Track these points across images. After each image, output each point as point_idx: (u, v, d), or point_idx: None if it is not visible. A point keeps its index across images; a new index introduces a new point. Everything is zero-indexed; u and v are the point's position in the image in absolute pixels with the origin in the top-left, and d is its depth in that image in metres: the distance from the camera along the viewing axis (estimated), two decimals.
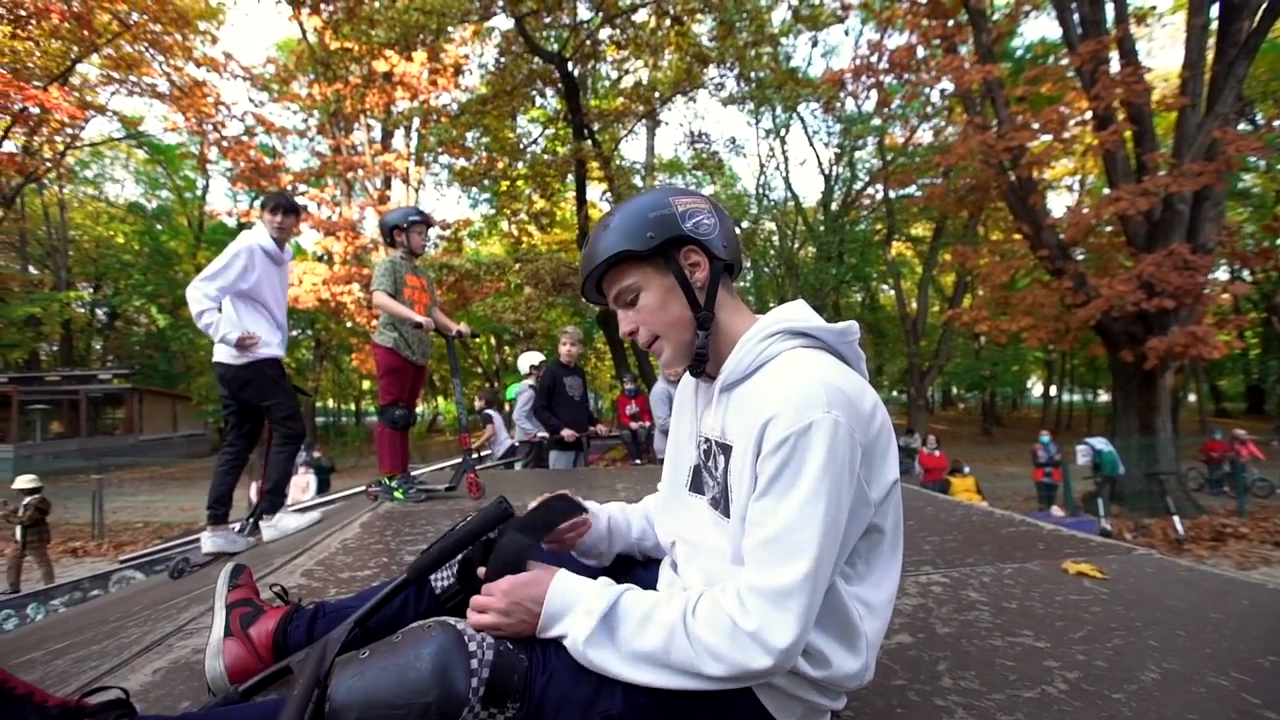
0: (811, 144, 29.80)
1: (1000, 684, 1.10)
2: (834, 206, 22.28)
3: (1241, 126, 10.21)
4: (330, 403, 33.32)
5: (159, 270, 24.60)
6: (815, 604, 0.77)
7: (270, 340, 3.06)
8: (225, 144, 15.92)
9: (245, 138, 16.12)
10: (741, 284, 19.91)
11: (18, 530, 6.92)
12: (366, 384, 27.76)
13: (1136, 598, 1.53)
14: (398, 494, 3.37)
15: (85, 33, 13.42)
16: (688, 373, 1.02)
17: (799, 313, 0.92)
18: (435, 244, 17.65)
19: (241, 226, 24.73)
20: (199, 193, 26.61)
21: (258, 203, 20.20)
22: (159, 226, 25.92)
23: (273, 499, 3.10)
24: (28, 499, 7.01)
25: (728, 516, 0.89)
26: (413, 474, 3.67)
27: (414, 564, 1.03)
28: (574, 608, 0.82)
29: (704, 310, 0.92)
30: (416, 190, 17.51)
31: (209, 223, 26.39)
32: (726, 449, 0.90)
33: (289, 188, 15.79)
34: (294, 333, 20.99)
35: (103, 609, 2.85)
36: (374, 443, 3.62)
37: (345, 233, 14.77)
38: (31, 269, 23.26)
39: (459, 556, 1.19)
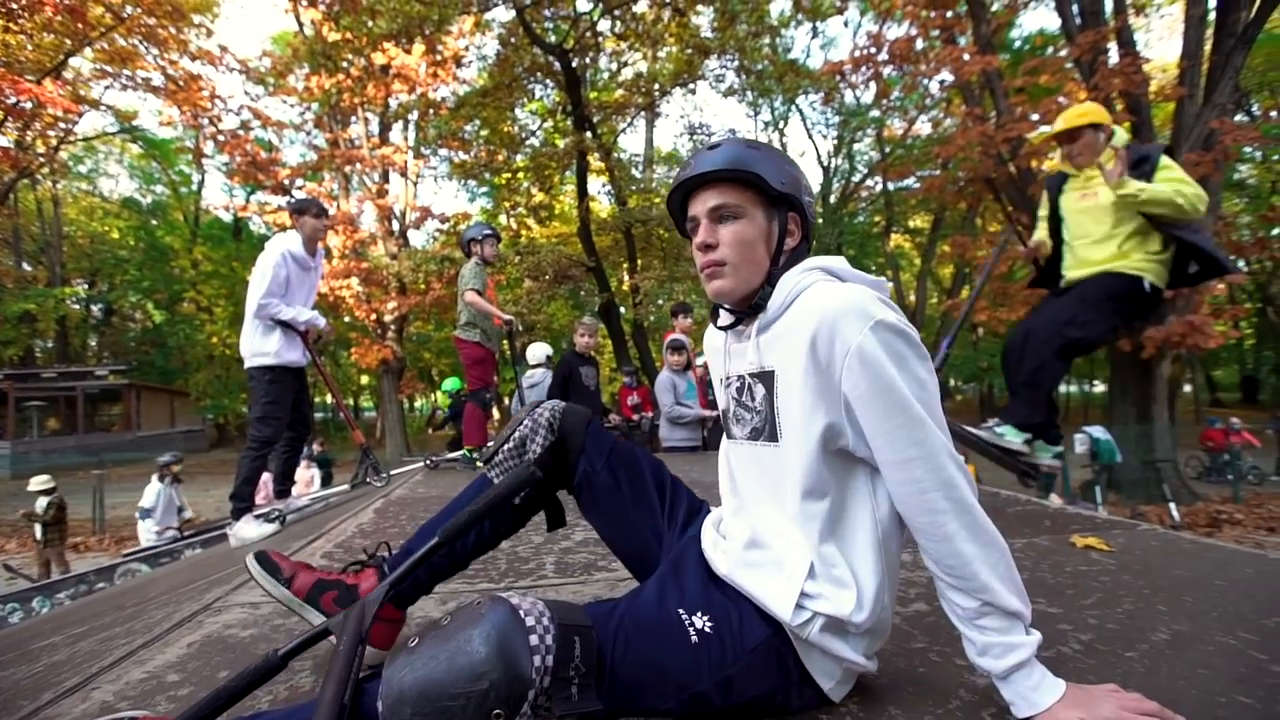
0: (810, 136, 29.91)
1: None
2: (832, 199, 22.31)
3: (1238, 117, 10.24)
4: (329, 398, 33.28)
5: (155, 266, 24.50)
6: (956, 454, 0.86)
7: (289, 348, 3.09)
8: (221, 138, 15.85)
9: (241, 132, 16.04)
10: None
11: (38, 529, 7.02)
12: (365, 379, 27.73)
13: (1143, 568, 1.57)
14: (479, 463, 3.95)
15: (79, 26, 13.32)
16: (715, 324, 1.05)
17: (836, 261, 0.95)
18: (434, 237, 17.62)
19: (238, 221, 24.67)
20: (194, 187, 26.48)
21: (256, 197, 20.10)
22: (154, 222, 25.80)
23: (235, 504, 3.01)
24: (47, 498, 7.11)
25: (775, 441, 0.92)
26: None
27: (446, 527, 1.03)
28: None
29: (779, 269, 0.95)
30: (415, 184, 17.46)
31: (205, 218, 26.25)
32: (766, 375, 0.93)
33: (286, 182, 15.73)
34: None
35: (115, 598, 2.88)
36: (463, 421, 4.30)
37: (344, 227, 14.72)
38: (25, 265, 23.14)
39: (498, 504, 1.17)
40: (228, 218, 24.88)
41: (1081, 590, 1.42)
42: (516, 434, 1.14)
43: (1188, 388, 28.16)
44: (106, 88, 16.56)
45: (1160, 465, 9.66)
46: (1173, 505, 8.76)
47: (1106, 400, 13.31)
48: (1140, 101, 9.75)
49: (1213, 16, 9.44)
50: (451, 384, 8.32)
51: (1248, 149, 12.31)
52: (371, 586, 1.18)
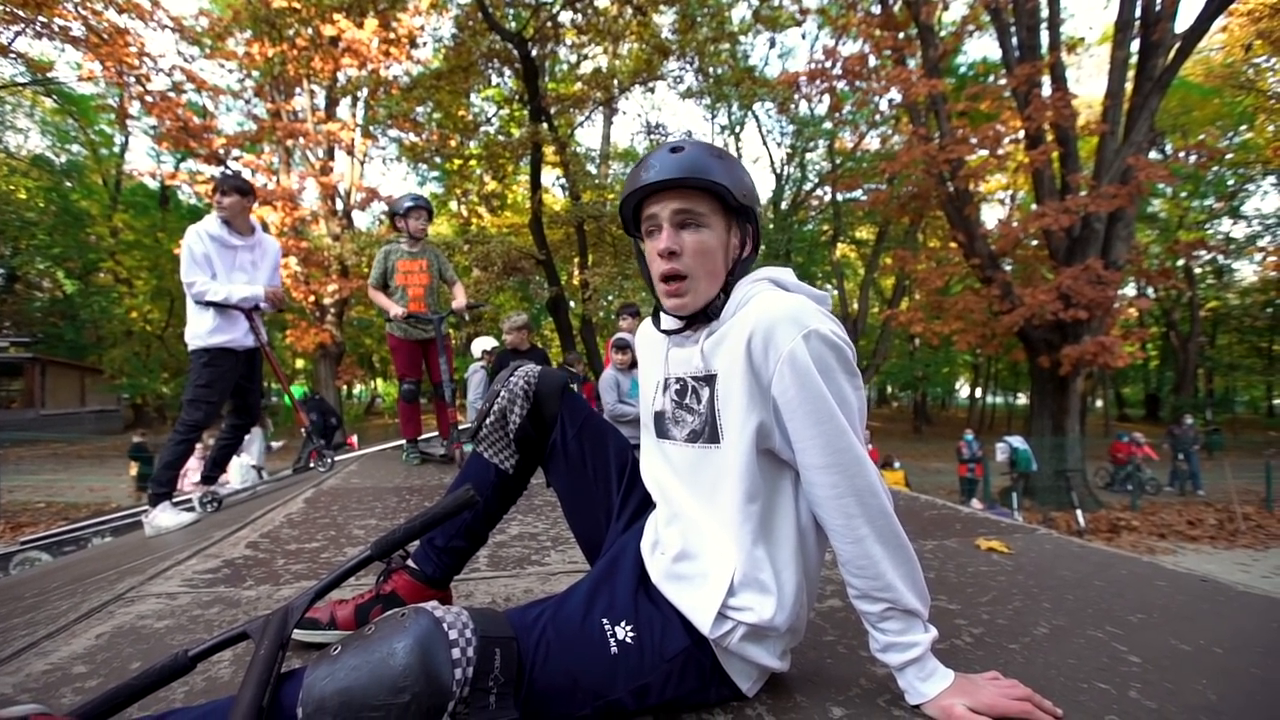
0: (765, 143, 30.41)
1: None
2: (784, 205, 22.81)
3: (1152, 155, 11.10)
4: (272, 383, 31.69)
5: (68, 231, 22.60)
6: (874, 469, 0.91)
7: (223, 329, 2.95)
8: (149, 99, 14.77)
9: (172, 94, 14.99)
10: None
11: None
12: (300, 363, 26.54)
13: (1036, 569, 1.72)
14: (403, 456, 3.95)
15: None
16: (657, 326, 1.06)
17: (784, 272, 0.99)
18: (380, 219, 17.05)
19: (165, 189, 23.13)
20: (117, 150, 24.64)
21: (186, 164, 18.90)
22: (69, 184, 23.83)
23: (153, 488, 2.89)
24: None
25: (716, 442, 0.95)
26: (419, 440, 4.13)
27: (379, 540, 0.99)
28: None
29: (734, 277, 0.98)
30: (362, 163, 16.84)
31: (127, 183, 24.47)
32: (710, 379, 0.96)
33: (221, 151, 14.86)
34: None
35: (11, 588, 2.70)
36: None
37: (283, 203, 14.05)
38: None
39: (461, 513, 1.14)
40: (154, 184, 23.29)
41: (980, 589, 1.55)
42: (496, 406, 1.13)
43: (1099, 403, 30.32)
44: (17, 34, 15.17)
45: (1070, 474, 10.39)
46: (1079, 512, 9.43)
47: (1028, 412, 14.17)
48: (1068, 134, 10.44)
49: (1135, 60, 10.20)
50: (296, 391, 8.34)
51: (1160, 185, 13.36)
52: (405, 585, 1.18)
